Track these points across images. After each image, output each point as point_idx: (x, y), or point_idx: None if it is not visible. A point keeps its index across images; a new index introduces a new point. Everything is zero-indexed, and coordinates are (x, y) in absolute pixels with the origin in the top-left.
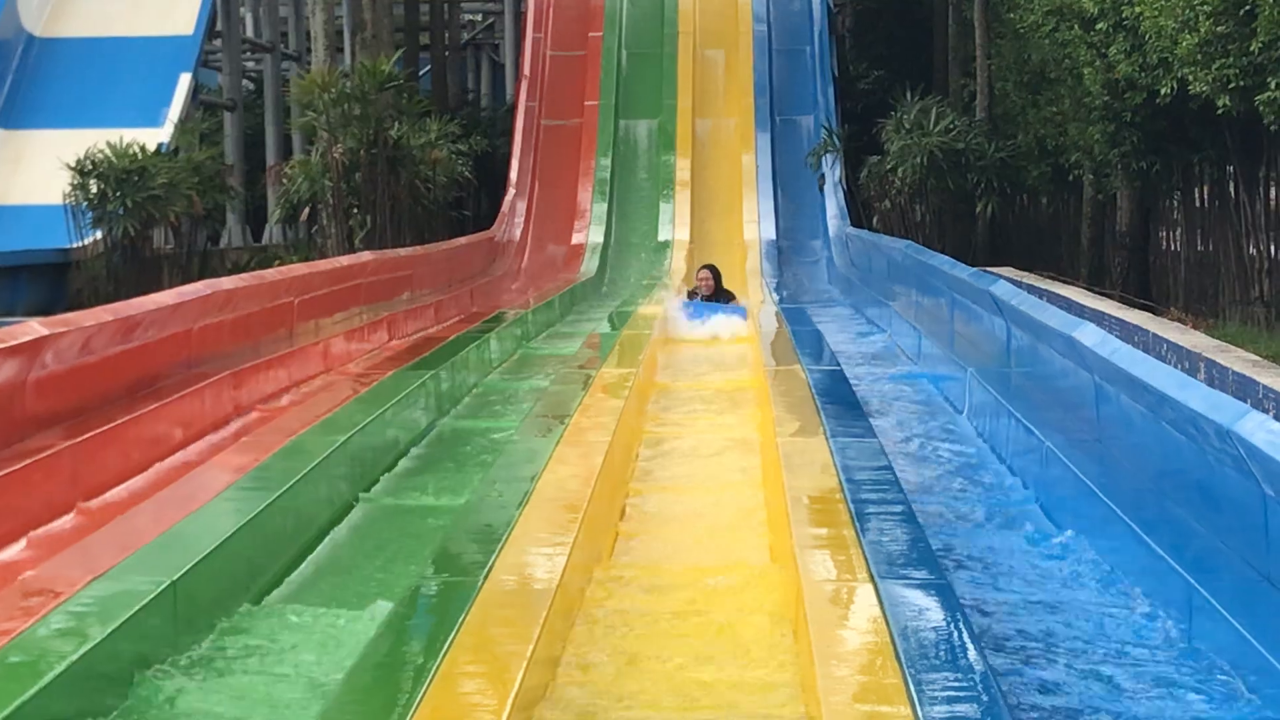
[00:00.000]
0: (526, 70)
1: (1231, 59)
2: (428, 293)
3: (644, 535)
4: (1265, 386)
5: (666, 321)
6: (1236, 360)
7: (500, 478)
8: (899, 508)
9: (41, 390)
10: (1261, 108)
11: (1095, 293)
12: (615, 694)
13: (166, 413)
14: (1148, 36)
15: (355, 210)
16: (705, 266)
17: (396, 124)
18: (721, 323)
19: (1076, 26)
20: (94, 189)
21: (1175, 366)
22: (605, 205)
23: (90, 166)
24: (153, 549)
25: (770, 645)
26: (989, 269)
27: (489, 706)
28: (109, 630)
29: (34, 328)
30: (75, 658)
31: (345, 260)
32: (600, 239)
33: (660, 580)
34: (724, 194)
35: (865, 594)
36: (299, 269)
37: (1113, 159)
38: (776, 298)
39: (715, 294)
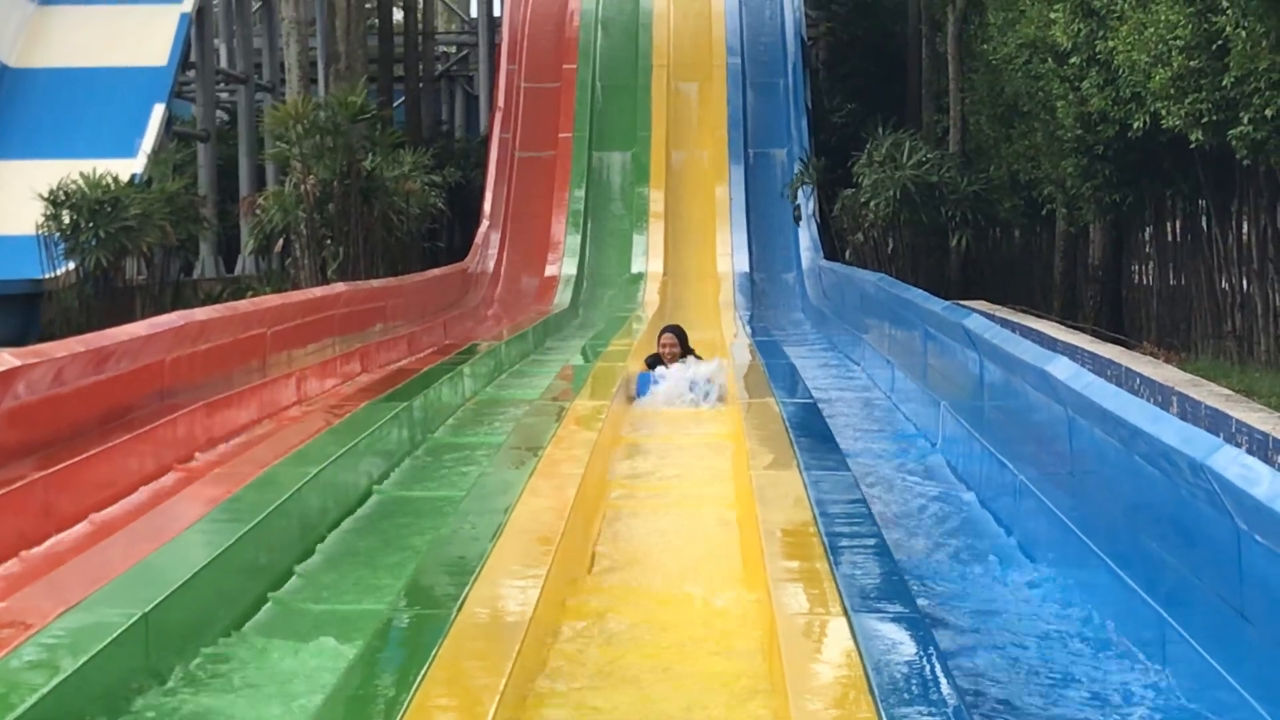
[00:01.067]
0: (501, 102)
1: (1204, 93)
2: (401, 324)
3: None
4: (1238, 421)
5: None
6: (1209, 394)
7: (473, 509)
8: (872, 541)
9: (13, 421)
10: (1234, 142)
11: (1068, 326)
12: None
13: (139, 444)
14: (1121, 70)
15: (328, 241)
16: (668, 329)
17: (370, 155)
18: (687, 395)
19: (1050, 60)
20: (67, 219)
21: (1148, 401)
22: (579, 237)
23: (63, 197)
24: (125, 581)
25: None
26: (962, 302)
27: None
28: (80, 662)
29: (5, 358)
30: (47, 690)
31: (318, 291)
32: (574, 271)
33: None
34: (697, 226)
35: (839, 627)
36: (272, 300)
37: (1085, 192)
38: (750, 330)
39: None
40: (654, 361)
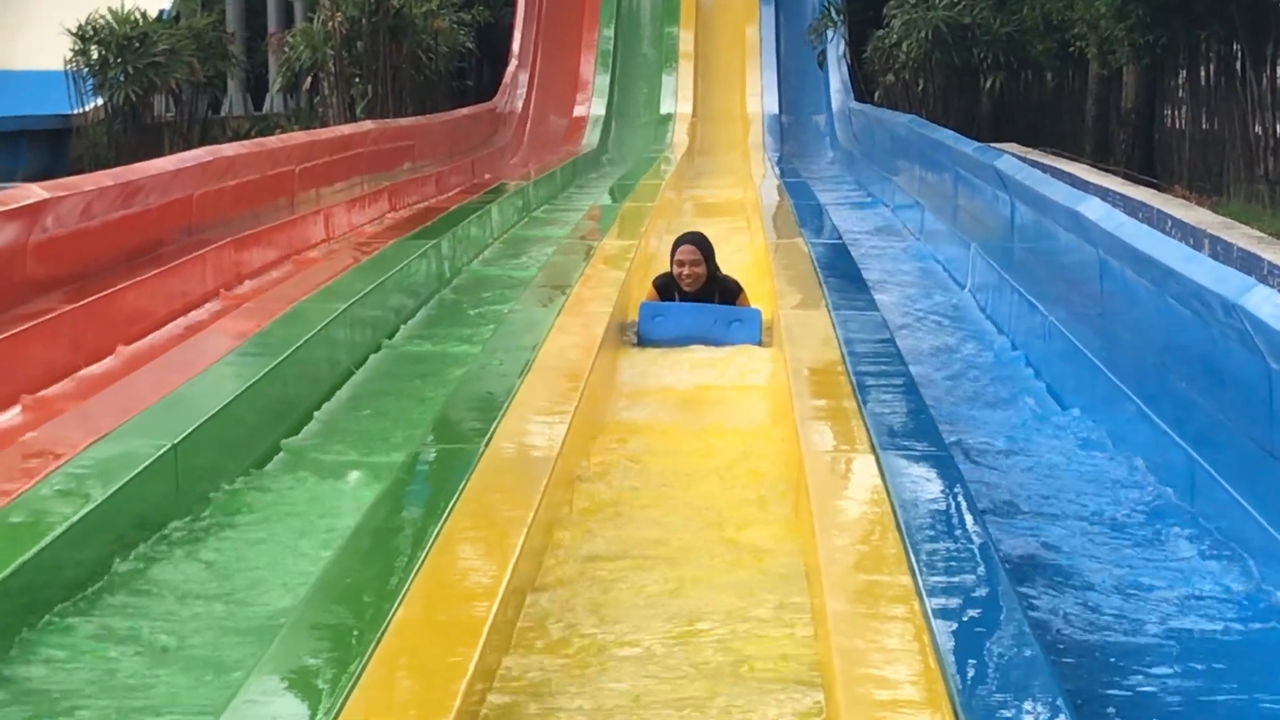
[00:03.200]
0: None
1: None
2: (429, 163)
3: None
4: (1270, 263)
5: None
6: (1241, 237)
7: (501, 346)
8: (900, 380)
9: (42, 254)
10: None
11: (1099, 169)
12: None
13: (167, 278)
14: None
15: (357, 79)
16: (688, 239)
17: None
18: (716, 352)
19: None
20: (95, 55)
21: (1179, 242)
22: (608, 77)
23: (92, 32)
24: (154, 412)
25: None
26: (993, 145)
27: (489, 572)
28: (110, 491)
29: (35, 191)
30: (76, 519)
31: (346, 129)
32: (602, 111)
33: None
34: (727, 67)
35: (866, 465)
36: (300, 137)
37: (1118, 34)
38: (778, 171)
39: (706, 286)
40: (665, 285)
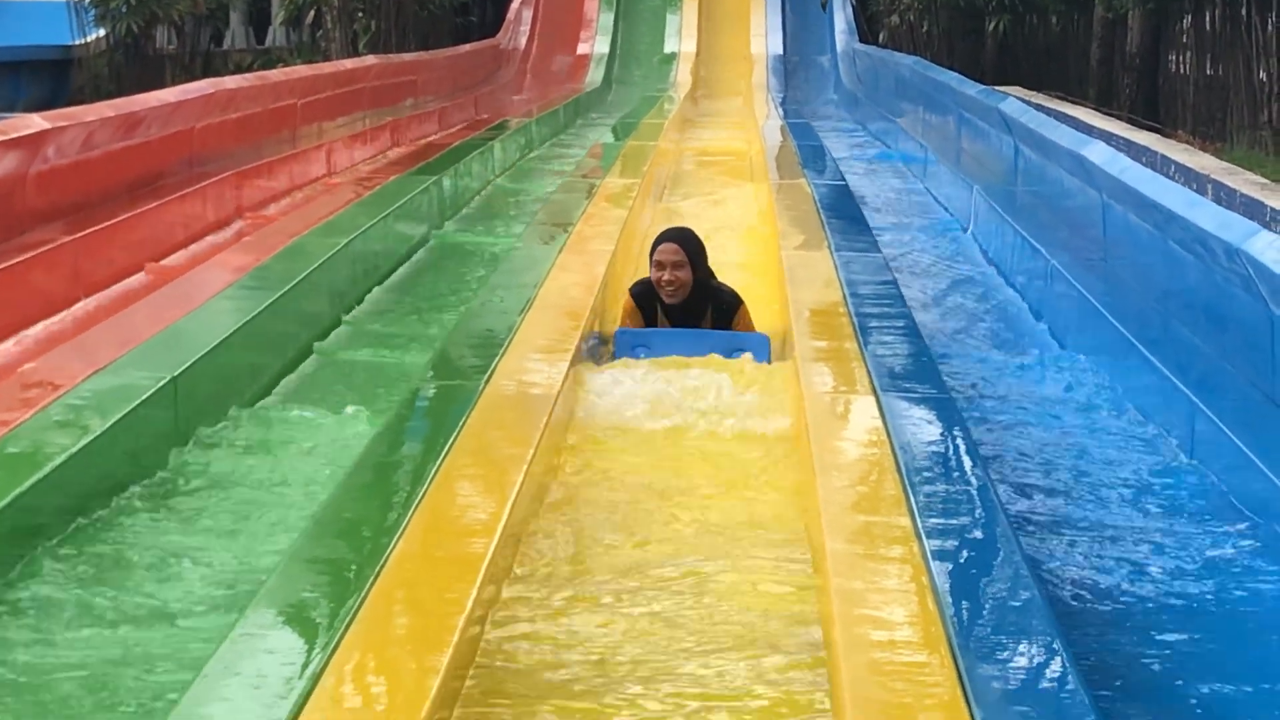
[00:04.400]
0: None
1: None
2: (432, 99)
3: None
4: (1273, 209)
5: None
6: (1244, 183)
7: (502, 284)
8: (902, 322)
9: (42, 184)
10: None
11: (1103, 113)
12: None
13: (167, 211)
14: None
15: (360, 14)
16: (669, 235)
17: None
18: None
19: None
20: None
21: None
22: (612, 15)
23: None
24: (153, 345)
25: None
26: (997, 88)
27: (488, 508)
28: (109, 423)
29: (35, 121)
30: (75, 450)
31: (349, 64)
32: (606, 50)
33: None
34: (732, 6)
35: (867, 406)
36: (302, 71)
37: None
38: (782, 112)
39: (695, 297)
40: (644, 293)
